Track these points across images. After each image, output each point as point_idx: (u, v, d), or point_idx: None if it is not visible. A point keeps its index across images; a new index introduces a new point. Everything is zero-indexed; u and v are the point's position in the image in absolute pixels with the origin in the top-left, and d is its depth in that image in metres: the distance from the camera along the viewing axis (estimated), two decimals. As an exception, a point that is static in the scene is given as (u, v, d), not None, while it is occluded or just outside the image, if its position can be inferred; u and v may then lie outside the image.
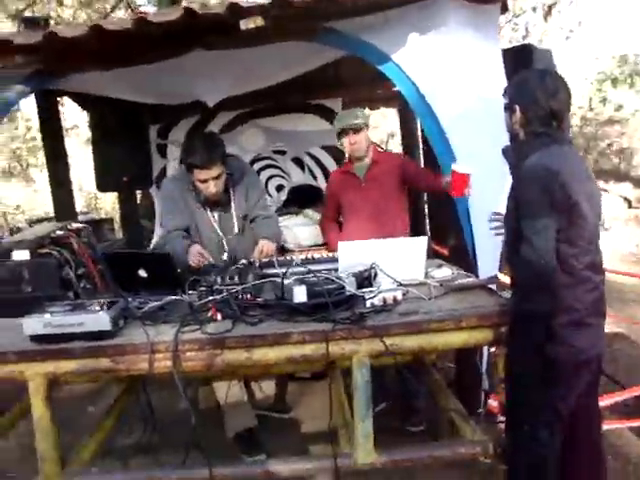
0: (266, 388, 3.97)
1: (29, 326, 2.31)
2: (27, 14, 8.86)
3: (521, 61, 3.40)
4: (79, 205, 10.49)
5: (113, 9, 10.20)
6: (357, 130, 3.65)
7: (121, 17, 9.28)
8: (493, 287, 2.71)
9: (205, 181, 3.19)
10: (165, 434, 3.35)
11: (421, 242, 2.74)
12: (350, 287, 2.38)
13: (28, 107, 10.82)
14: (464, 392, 3.40)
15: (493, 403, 2.53)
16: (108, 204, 12.51)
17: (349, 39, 3.40)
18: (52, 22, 8.88)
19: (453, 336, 2.33)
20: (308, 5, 3.01)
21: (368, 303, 2.39)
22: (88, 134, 11.71)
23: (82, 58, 3.59)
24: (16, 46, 3.10)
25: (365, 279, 2.53)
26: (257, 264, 2.95)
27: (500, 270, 3.23)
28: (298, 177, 6.54)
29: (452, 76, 3.24)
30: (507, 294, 2.46)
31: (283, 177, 6.52)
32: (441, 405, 3.18)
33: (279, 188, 6.47)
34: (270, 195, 6.19)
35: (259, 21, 2.98)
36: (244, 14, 2.96)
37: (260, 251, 3.23)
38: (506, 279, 2.89)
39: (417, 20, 3.25)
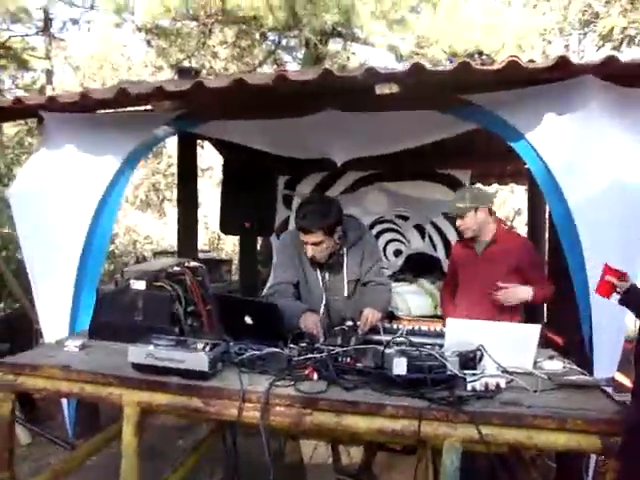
0: (354, 454, 3.86)
1: (133, 354, 2.41)
2: (185, 64, 9.59)
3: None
4: (202, 243, 10.95)
5: (261, 64, 10.80)
6: (462, 215, 3.58)
7: (265, 72, 9.79)
8: (609, 390, 2.50)
9: (305, 244, 3.21)
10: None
11: (534, 330, 2.59)
12: (452, 367, 2.28)
13: (172, 145, 11.54)
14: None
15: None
16: (229, 246, 12.95)
17: (483, 113, 3.38)
18: (205, 72, 9.54)
19: (555, 436, 2.15)
20: (444, 74, 3.02)
21: (469, 386, 2.28)
22: (220, 177, 12.39)
23: (224, 107, 3.80)
24: (167, 92, 3.31)
25: (470, 360, 2.42)
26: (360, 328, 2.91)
27: (618, 370, 3.02)
28: (418, 244, 6.50)
29: (587, 159, 3.10)
30: (624, 398, 2.26)
31: (402, 242, 6.50)
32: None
33: (397, 253, 6.45)
34: (387, 259, 6.18)
35: (394, 88, 3.01)
36: (380, 79, 3.01)
37: (365, 321, 3.13)
38: (625, 381, 2.68)
39: (556, 98, 3.17)
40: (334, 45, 10.60)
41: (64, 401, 4.10)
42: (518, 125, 3.28)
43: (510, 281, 3.54)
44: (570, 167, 3.13)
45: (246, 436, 3.44)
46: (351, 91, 3.26)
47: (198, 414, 2.38)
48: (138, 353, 2.39)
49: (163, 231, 13.45)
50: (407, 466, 3.91)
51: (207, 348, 2.42)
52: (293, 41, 9.93)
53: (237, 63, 11.10)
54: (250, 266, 7.03)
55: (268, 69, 10.79)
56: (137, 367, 2.40)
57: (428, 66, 2.95)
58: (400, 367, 2.25)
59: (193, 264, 3.28)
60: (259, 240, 7.55)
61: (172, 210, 14.18)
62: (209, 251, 9.93)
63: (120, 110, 3.95)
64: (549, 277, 3.75)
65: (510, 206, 13.86)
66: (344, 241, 3.29)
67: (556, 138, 3.17)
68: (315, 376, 2.37)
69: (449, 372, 2.27)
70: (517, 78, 3.09)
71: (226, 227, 5.83)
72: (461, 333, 2.56)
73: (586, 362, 3.03)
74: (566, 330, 3.84)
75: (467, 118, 3.52)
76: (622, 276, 2.38)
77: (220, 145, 5.99)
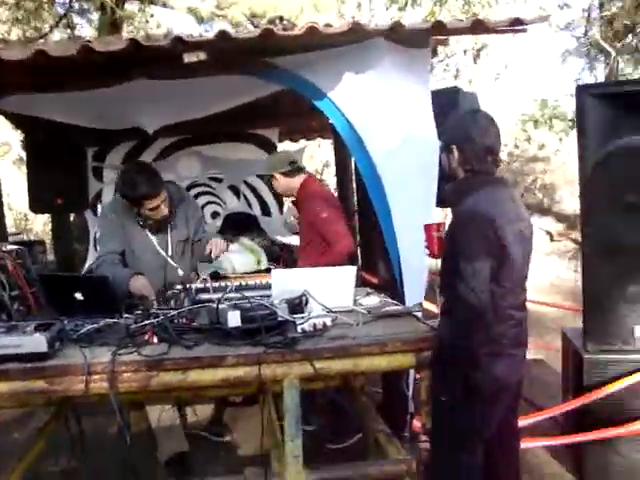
0: (200, 412, 4.00)
1: (-37, 347, 2.31)
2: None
3: (448, 102, 3.64)
4: (8, 226, 10.22)
5: (52, 29, 10.11)
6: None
7: (64, 41, 9.24)
8: (419, 315, 2.87)
9: (157, 207, 3.28)
10: (93, 460, 3.35)
11: (350, 271, 2.89)
12: (282, 313, 2.49)
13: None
14: (391, 415, 3.52)
15: (417, 424, 2.68)
16: (38, 225, 12.21)
17: (287, 75, 3.57)
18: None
19: (378, 360, 2.47)
20: (249, 41, 3.15)
21: (299, 328, 2.50)
22: (18, 153, 11.55)
23: (23, 80, 3.62)
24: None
25: (297, 306, 2.65)
26: (193, 289, 3.02)
27: (425, 298, 3.42)
28: (233, 204, 6.63)
29: (384, 114, 3.42)
30: (432, 322, 2.61)
31: (219, 204, 6.60)
32: (368, 426, 3.30)
33: (214, 215, 6.56)
34: (205, 222, 6.25)
35: (202, 55, 3.10)
36: (188, 48, 3.08)
37: (215, 246, 3.37)
38: (431, 307, 3.07)
39: (353, 59, 3.43)
40: (131, 7, 10.20)
41: None
42: (321, 85, 3.51)
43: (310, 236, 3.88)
44: (370, 122, 3.43)
45: (88, 417, 3.48)
46: (160, 60, 3.28)
47: (43, 396, 2.38)
48: (-32, 346, 2.31)
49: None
50: (251, 415, 4.15)
51: (42, 329, 2.40)
52: (86, 4, 9.39)
53: (23, 27, 10.27)
54: (65, 244, 6.77)
55: (61, 34, 10.14)
56: (-30, 359, 2.33)
57: (234, 33, 3.07)
58: (234, 320, 2.42)
59: (11, 247, 3.16)
60: (71, 217, 7.26)
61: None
62: (18, 233, 9.32)
63: None
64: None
65: (319, 159, 14.41)
66: (170, 203, 3.38)
67: (356, 96, 3.45)
68: (155, 340, 2.46)
69: (280, 318, 2.48)
70: (316, 42, 3.30)
71: (36, 206, 5.55)
72: (286, 282, 2.78)
73: (398, 296, 3.41)
74: (378, 270, 4.23)
75: (273, 80, 3.70)
76: (441, 226, 2.70)
77: (18, 119, 5.63)
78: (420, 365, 2.52)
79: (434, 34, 3.44)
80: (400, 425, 3.33)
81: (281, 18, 3.13)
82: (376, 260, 4.28)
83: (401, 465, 2.68)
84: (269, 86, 4.03)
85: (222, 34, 3.04)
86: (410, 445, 2.88)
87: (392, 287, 3.57)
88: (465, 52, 11.31)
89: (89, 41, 3.09)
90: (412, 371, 3.28)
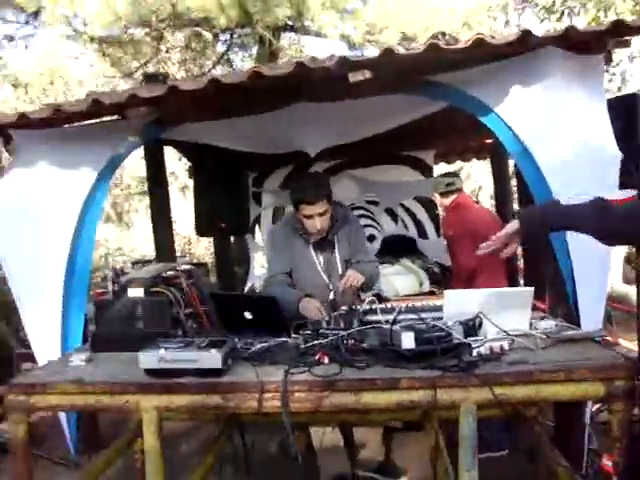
0: (362, 436, 3.93)
1: (145, 360, 2.42)
2: (140, 71, 9.50)
3: (627, 110, 3.37)
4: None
5: (215, 65, 10.77)
6: None
7: (234, 71, 9.78)
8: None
9: (310, 217, 3.27)
10: (258, 477, 3.39)
11: (528, 292, 2.70)
12: (458, 335, 2.38)
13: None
14: (564, 450, 3.26)
15: (608, 463, 2.42)
16: (200, 249, 12.92)
17: (451, 92, 3.48)
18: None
19: (563, 388, 2.27)
20: (414, 57, 3.10)
21: (474, 352, 2.37)
22: (183, 182, 12.33)
23: (195, 110, 3.83)
24: (141, 99, 3.33)
25: (471, 327, 2.51)
26: (360, 310, 2.97)
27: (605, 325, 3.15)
28: (390, 228, 6.59)
29: (555, 125, 3.24)
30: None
31: (375, 227, 6.59)
32: (543, 459, 3.06)
33: (371, 238, 6.54)
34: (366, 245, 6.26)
35: (367, 74, 3.09)
36: (353, 67, 3.08)
37: (345, 281, 3.23)
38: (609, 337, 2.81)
39: (520, 70, 3.29)
40: (284, 41, 10.64)
41: (63, 420, 4.08)
42: (486, 100, 3.39)
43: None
44: (540, 135, 3.27)
45: (252, 434, 3.54)
46: (322, 82, 3.32)
47: (217, 410, 2.43)
48: (149, 359, 2.41)
49: (132, 242, 13.34)
50: (413, 441, 4.02)
51: (216, 345, 2.46)
52: (246, 39, 9.90)
53: (189, 66, 11.04)
54: (226, 267, 7.05)
55: (222, 70, 10.75)
56: (150, 372, 2.42)
57: (399, 49, 3.03)
58: (409, 341, 2.33)
59: (185, 267, 3.31)
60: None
61: (138, 220, 14.07)
62: (184, 256, 9.89)
63: (89, 122, 3.94)
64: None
65: (473, 181, 14.10)
66: (334, 222, 3.38)
67: (524, 108, 3.30)
68: (326, 360, 2.43)
69: (455, 340, 2.36)
70: (483, 54, 3.19)
71: (202, 229, 5.82)
72: (459, 303, 2.65)
73: (573, 321, 3.16)
74: (549, 294, 3.98)
75: (437, 98, 3.63)
76: None
77: (186, 149, 5.98)
78: (611, 396, 2.28)
79: (612, 36, 3.19)
80: (576, 461, 3.07)
81: (443, 34, 3.06)
82: (544, 284, 4.02)
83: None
84: (431, 105, 3.97)
85: (387, 51, 3.02)
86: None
87: (564, 312, 3.32)
88: (632, 59, 10.51)
89: (259, 67, 3.18)
90: (590, 402, 3.02)
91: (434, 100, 3.70)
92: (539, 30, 3.21)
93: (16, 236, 3.88)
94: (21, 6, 8.68)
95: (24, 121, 3.66)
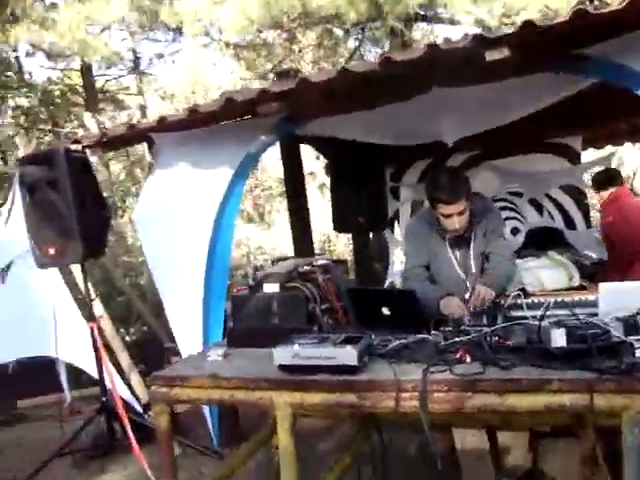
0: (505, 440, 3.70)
1: (279, 356, 2.39)
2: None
3: None
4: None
5: (347, 62, 10.79)
6: None
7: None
8: None
9: (449, 216, 3.13)
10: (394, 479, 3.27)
11: (699, 284, 2.39)
12: (617, 332, 2.13)
13: (267, 157, 11.71)
14: None
15: None
16: (340, 247, 13.00)
17: (602, 65, 3.14)
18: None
19: None
20: (558, 28, 2.81)
21: (638, 352, 2.11)
22: (321, 180, 12.46)
23: (326, 104, 3.78)
24: (271, 94, 3.32)
25: (632, 325, 2.24)
26: (505, 305, 2.78)
27: None
28: (535, 219, 6.24)
29: None
30: None
31: (519, 220, 6.26)
32: None
33: (515, 231, 6.23)
34: (505, 237, 5.96)
35: (505, 52, 2.86)
36: (490, 45, 2.87)
37: (477, 297, 3.04)
38: None
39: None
40: (417, 32, 10.44)
41: (207, 412, 4.21)
42: (644, 70, 3.03)
43: None
44: None
45: (387, 433, 3.43)
46: (457, 64, 3.12)
47: (352, 409, 2.35)
48: (284, 354, 2.38)
49: (273, 241, 13.67)
50: (560, 449, 3.73)
51: (352, 342, 2.38)
52: (377, 33, 9.81)
53: (323, 64, 11.15)
54: (365, 263, 7.00)
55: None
56: (285, 368, 2.39)
57: (539, 22, 2.78)
58: (559, 339, 2.12)
59: (322, 262, 3.27)
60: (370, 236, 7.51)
61: (279, 220, 14.43)
62: (323, 253, 9.98)
63: (225, 122, 4.01)
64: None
65: (627, 166, 13.05)
66: (472, 216, 3.21)
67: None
68: (468, 358, 2.27)
69: (614, 339, 2.12)
70: (637, 18, 2.84)
71: (340, 226, 5.82)
72: (616, 297, 2.38)
73: None
74: None
75: (586, 74, 3.29)
76: None
77: (322, 146, 5.99)
78: None
79: None
80: None
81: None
82: None
83: None
84: (576, 83, 3.62)
85: (527, 24, 2.76)
86: None
87: None
88: None
89: (389, 54, 3.06)
90: None
91: (583, 76, 3.38)
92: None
93: (159, 235, 4.05)
94: (165, 23, 9.17)
95: (163, 125, 3.80)
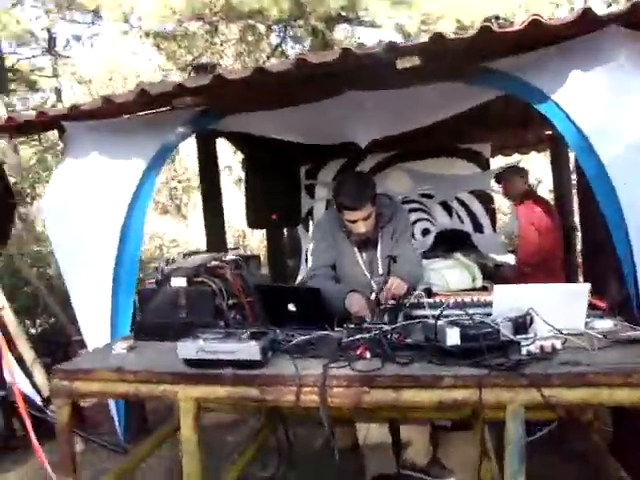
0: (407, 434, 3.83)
1: (184, 350, 2.41)
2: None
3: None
4: (227, 242, 10.96)
5: (269, 58, 10.81)
6: None
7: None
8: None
9: (354, 222, 3.17)
10: (300, 471, 3.33)
11: (583, 289, 2.56)
12: (506, 332, 2.26)
13: (185, 150, 11.57)
14: (623, 458, 3.08)
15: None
16: (254, 242, 12.99)
17: (506, 79, 3.29)
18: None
19: (619, 392, 2.11)
20: (465, 42, 2.95)
21: (524, 350, 2.25)
22: (238, 175, 12.42)
23: (243, 100, 3.79)
24: (187, 89, 3.31)
25: (521, 325, 2.38)
26: (407, 305, 2.87)
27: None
28: (444, 221, 6.44)
29: (619, 112, 2.99)
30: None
31: (430, 221, 6.45)
32: (601, 469, 2.91)
33: (425, 232, 6.42)
34: (415, 239, 6.13)
35: (416, 60, 2.97)
36: (401, 53, 2.97)
37: (389, 289, 3.05)
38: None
39: (581, 54, 3.05)
40: (339, 33, 10.58)
41: (113, 407, 4.14)
42: (543, 87, 3.17)
43: None
44: (601, 124, 3.03)
45: (295, 427, 3.49)
46: (370, 69, 3.20)
47: (255, 403, 2.39)
48: (189, 348, 2.39)
49: (187, 235, 13.50)
50: (460, 442, 3.89)
51: (256, 337, 2.41)
52: (299, 31, 9.87)
53: (244, 60, 11.11)
54: (279, 259, 7.05)
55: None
56: (189, 362, 2.40)
57: (449, 34, 2.90)
58: (453, 337, 2.23)
59: (231, 257, 3.28)
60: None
61: (193, 214, 14.27)
62: (237, 248, 9.95)
63: (140, 113, 3.95)
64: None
65: (532, 175, 13.67)
66: (379, 218, 3.27)
67: (584, 95, 3.07)
68: (368, 355, 2.35)
69: (503, 338, 2.24)
70: (540, 37, 2.99)
71: (253, 222, 5.84)
72: (509, 299, 2.52)
73: (634, 319, 2.98)
74: (607, 291, 3.77)
75: (490, 86, 3.44)
76: None
77: (239, 141, 5.98)
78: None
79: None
80: (636, 471, 2.88)
81: (497, 17, 2.88)
82: (603, 281, 3.82)
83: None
84: (484, 93, 3.78)
85: (437, 36, 2.88)
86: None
87: (623, 310, 3.13)
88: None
89: (304, 54, 3.11)
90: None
91: (488, 88, 3.53)
92: (601, 9, 2.97)
93: (68, 225, 3.94)
94: (83, 4, 8.88)
95: (76, 112, 3.70)
